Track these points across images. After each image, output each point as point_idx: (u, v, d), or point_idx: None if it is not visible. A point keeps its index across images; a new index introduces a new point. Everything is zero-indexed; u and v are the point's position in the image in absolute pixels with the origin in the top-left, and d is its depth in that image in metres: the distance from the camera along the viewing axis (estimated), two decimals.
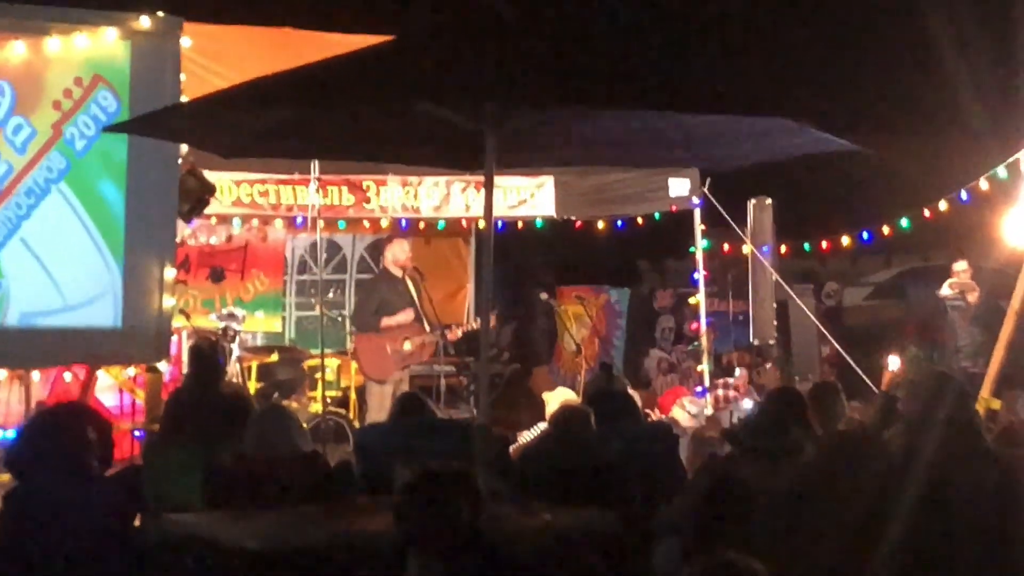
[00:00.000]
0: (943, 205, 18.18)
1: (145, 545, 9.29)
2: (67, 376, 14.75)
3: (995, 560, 7.43)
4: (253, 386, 14.77)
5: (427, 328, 16.83)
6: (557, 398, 14.98)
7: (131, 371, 14.92)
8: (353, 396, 17.44)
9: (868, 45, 23.39)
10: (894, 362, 16.21)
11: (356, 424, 15.83)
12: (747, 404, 17.24)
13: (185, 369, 15.31)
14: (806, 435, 10.22)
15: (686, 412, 17.29)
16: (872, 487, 8.09)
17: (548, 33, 10.04)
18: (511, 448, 11.80)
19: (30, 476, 9.31)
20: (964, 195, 17.57)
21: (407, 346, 16.50)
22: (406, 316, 16.61)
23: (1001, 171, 16.63)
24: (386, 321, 16.47)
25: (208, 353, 12.76)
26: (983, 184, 17.05)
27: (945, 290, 19.32)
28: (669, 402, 18.15)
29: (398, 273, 17.05)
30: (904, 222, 19.29)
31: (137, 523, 9.55)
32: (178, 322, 15.14)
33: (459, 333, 17.59)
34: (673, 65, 10.81)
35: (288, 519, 9.03)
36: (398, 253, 17.15)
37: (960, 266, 18.58)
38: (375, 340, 16.58)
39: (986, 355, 16.51)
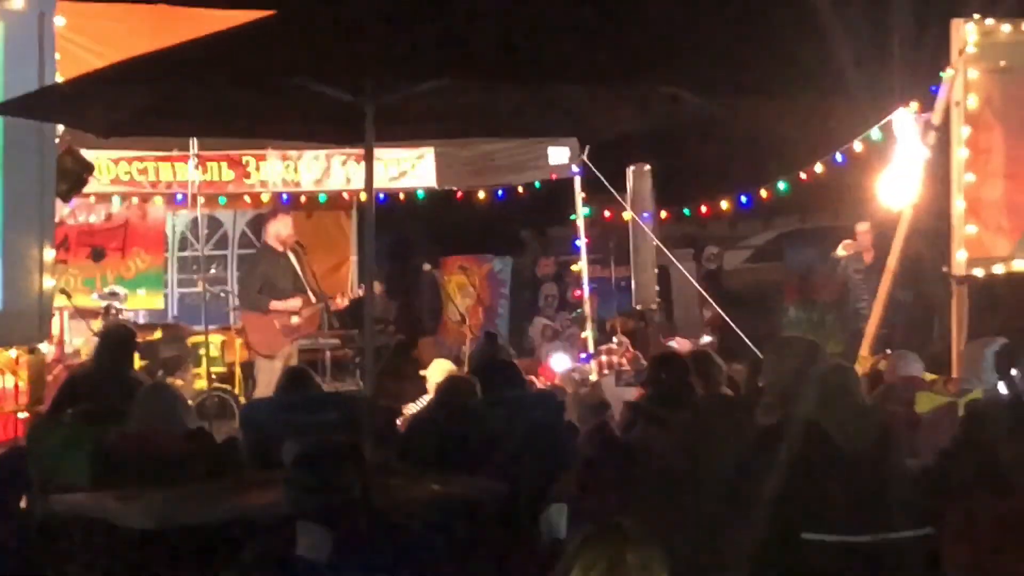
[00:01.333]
0: (819, 168, 18.35)
1: (31, 524, 9.31)
2: None
3: (872, 510, 7.55)
4: (137, 364, 14.73)
5: (312, 300, 16.84)
6: (437, 369, 15.02)
7: (12, 353, 14.85)
8: (238, 372, 17.46)
9: (743, 7, 23.53)
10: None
11: (242, 400, 15.86)
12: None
13: (71, 348, 15.30)
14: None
15: (568, 378, 17.41)
16: (740, 449, 8.21)
17: (425, 6, 10.06)
18: (398, 420, 11.83)
19: None
20: (839, 157, 17.74)
21: (293, 320, 16.52)
22: (295, 302, 16.59)
23: (875, 133, 16.80)
24: (275, 305, 16.45)
25: (116, 335, 12.79)
26: (857, 146, 17.23)
27: (840, 251, 19.49)
28: (552, 369, 18.26)
29: (280, 247, 17.02)
30: (782, 185, 19.44)
31: (23, 504, 9.56)
32: (59, 302, 15.08)
33: (344, 302, 17.62)
34: (549, 36, 10.83)
35: (177, 496, 9.04)
36: (280, 229, 17.10)
37: (863, 227, 18.74)
38: (262, 316, 16.59)
39: (908, 330, 16.74)
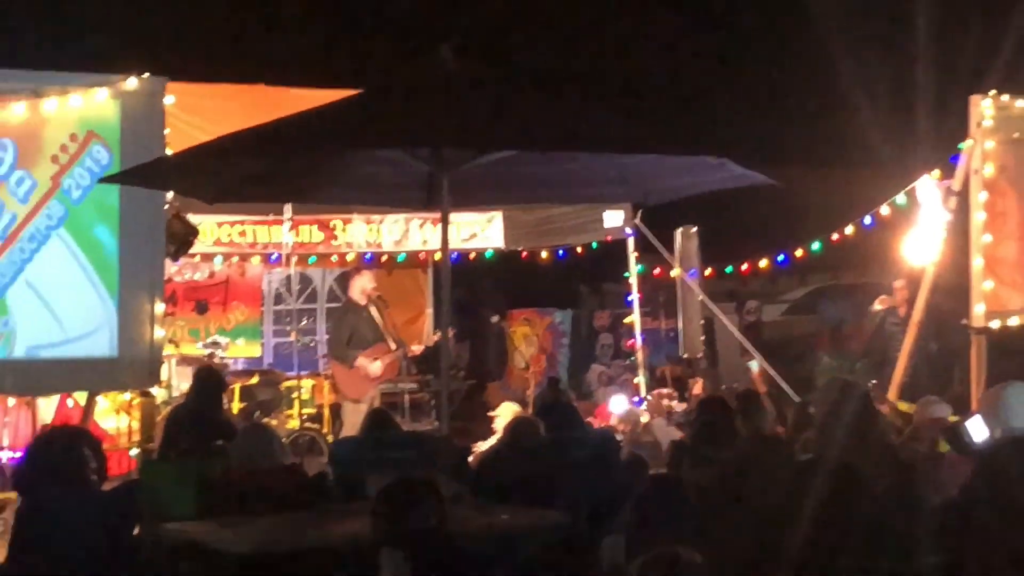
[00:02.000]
0: (849, 229, 18.30)
1: (143, 553, 9.33)
2: (70, 402, 14.75)
3: (890, 549, 7.50)
4: (236, 406, 14.77)
5: (392, 348, 16.90)
6: (505, 411, 15.03)
7: (127, 396, 14.93)
8: (327, 413, 17.44)
9: (780, 87, 23.50)
10: (754, 367, 16.36)
11: (329, 438, 15.83)
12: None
13: (178, 392, 15.34)
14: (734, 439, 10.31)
15: (620, 423, 17.37)
16: (782, 483, 8.17)
17: (494, 86, 10.09)
18: (469, 457, 11.82)
19: (34, 492, 9.34)
20: (868, 220, 17.69)
21: (375, 366, 16.54)
22: (377, 353, 16.62)
23: (900, 198, 16.76)
24: (360, 361, 16.48)
25: (209, 376, 12.85)
26: (884, 210, 17.18)
27: (876, 306, 19.40)
28: (608, 411, 18.23)
29: (363, 301, 17.08)
30: (815, 245, 19.39)
31: (136, 532, 9.58)
32: (168, 351, 15.12)
33: (420, 350, 17.71)
34: (605, 111, 10.87)
35: (273, 525, 9.07)
36: (364, 284, 17.16)
37: (899, 283, 18.60)
38: (352, 369, 16.68)
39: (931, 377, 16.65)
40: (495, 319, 21.70)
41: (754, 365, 17.49)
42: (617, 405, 18.37)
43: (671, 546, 5.53)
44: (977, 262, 15.44)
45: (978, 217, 15.41)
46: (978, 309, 15.43)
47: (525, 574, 8.30)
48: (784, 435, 10.97)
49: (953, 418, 13.17)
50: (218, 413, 12.73)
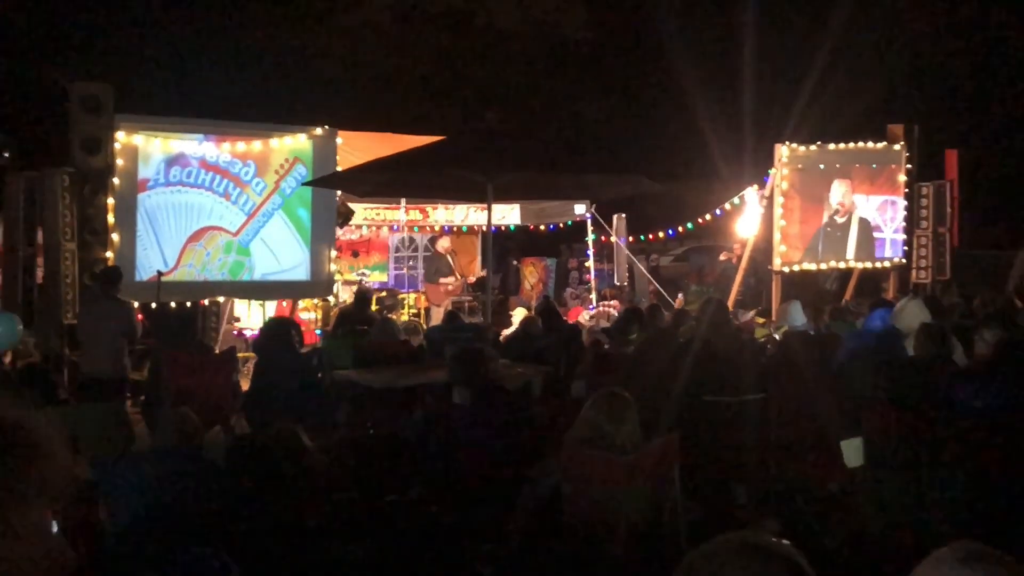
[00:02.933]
0: (708, 216, 18.27)
1: (324, 386, 9.39)
2: (284, 304, 14.80)
3: (737, 384, 7.50)
4: (374, 306, 14.78)
5: (459, 278, 17.00)
6: (518, 313, 15.07)
7: (315, 300, 14.98)
8: (422, 312, 17.44)
9: (670, 135, 23.39)
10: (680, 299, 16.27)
11: (423, 326, 15.82)
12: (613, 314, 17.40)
13: (343, 299, 15.37)
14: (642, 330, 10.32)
15: (583, 319, 17.39)
16: (671, 354, 8.17)
17: (520, 135, 10.07)
18: (501, 337, 11.82)
19: (265, 353, 9.39)
20: (718, 211, 17.66)
21: (451, 287, 16.67)
22: (453, 279, 16.78)
23: (736, 199, 16.73)
24: (442, 280, 16.63)
25: (364, 292, 12.93)
26: (728, 205, 17.16)
27: (721, 257, 19.35)
28: (575, 314, 18.23)
29: (444, 252, 17.15)
30: (690, 225, 19.36)
31: (319, 375, 9.64)
32: (337, 277, 15.13)
33: (473, 279, 17.81)
34: (582, 151, 10.85)
35: (394, 372, 9.10)
36: (444, 242, 17.26)
37: (736, 245, 18.42)
38: (435, 287, 16.78)
39: (750, 294, 16.67)
40: (515, 263, 21.71)
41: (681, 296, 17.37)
42: (579, 310, 18.40)
43: (612, 388, 5.53)
44: (776, 235, 15.43)
45: (777, 211, 15.37)
46: (776, 261, 15.41)
47: (531, 399, 8.32)
48: (671, 328, 10.93)
49: (761, 320, 13.19)
50: (366, 311, 12.76)
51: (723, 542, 2.14)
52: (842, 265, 16.16)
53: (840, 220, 15.87)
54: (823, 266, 16.07)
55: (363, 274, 17.59)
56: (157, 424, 6.03)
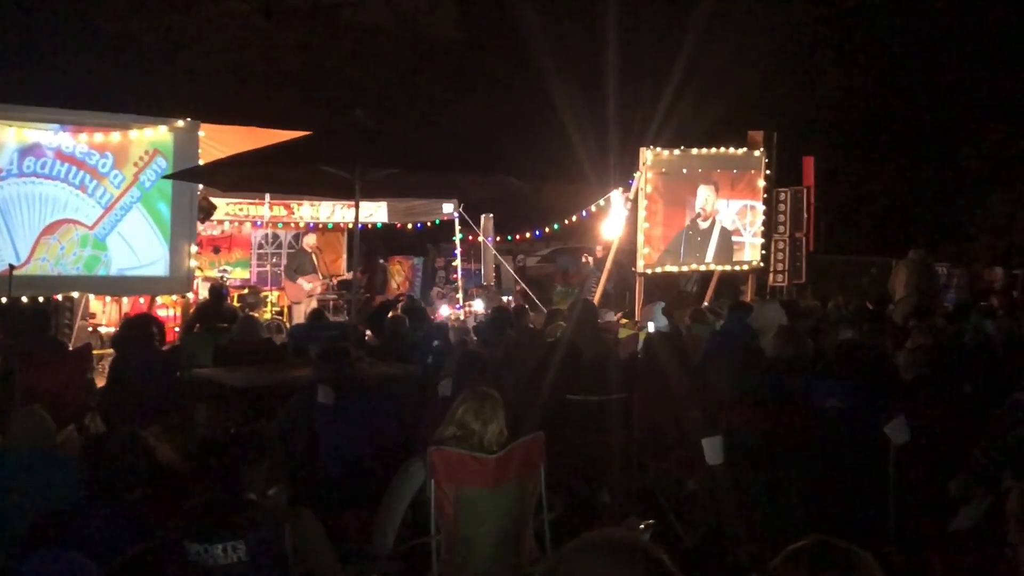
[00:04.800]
0: (574, 218, 18.47)
1: (183, 383, 9.19)
2: (141, 300, 14.44)
3: (602, 384, 7.59)
4: (235, 304, 14.52)
5: (321, 277, 16.91)
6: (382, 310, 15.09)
7: (173, 297, 14.64)
8: (285, 310, 17.23)
9: (537, 140, 23.59)
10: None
11: (286, 324, 15.62)
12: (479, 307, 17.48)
13: (202, 296, 15.11)
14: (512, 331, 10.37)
15: (448, 319, 17.41)
16: (538, 354, 8.24)
17: (388, 132, 10.01)
18: (366, 336, 11.74)
19: (123, 350, 9.17)
20: (584, 212, 17.87)
21: (308, 286, 16.56)
22: (312, 279, 16.69)
23: (602, 202, 16.96)
24: (301, 280, 16.54)
25: (218, 288, 12.67)
26: (594, 208, 17.38)
27: (583, 259, 19.58)
28: (441, 313, 18.26)
29: (308, 250, 17.01)
30: (556, 226, 19.56)
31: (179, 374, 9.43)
32: (197, 273, 14.84)
33: (338, 278, 17.70)
34: (448, 150, 10.85)
35: (255, 371, 8.96)
36: (310, 239, 17.16)
37: (599, 248, 18.73)
38: (295, 286, 16.65)
39: (614, 296, 16.91)
40: (382, 262, 21.60)
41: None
42: (445, 309, 18.41)
43: (481, 387, 5.53)
44: (640, 238, 15.71)
45: (641, 214, 15.65)
46: (640, 263, 15.70)
47: (397, 401, 8.27)
48: (539, 328, 11.00)
49: (624, 320, 13.40)
50: (223, 306, 12.54)
51: (586, 540, 2.17)
52: (702, 268, 16.52)
53: (703, 225, 16.23)
54: (684, 268, 16.41)
55: (224, 271, 17.29)
56: (8, 423, 5.82)
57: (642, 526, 4.83)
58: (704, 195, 16.17)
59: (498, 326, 10.28)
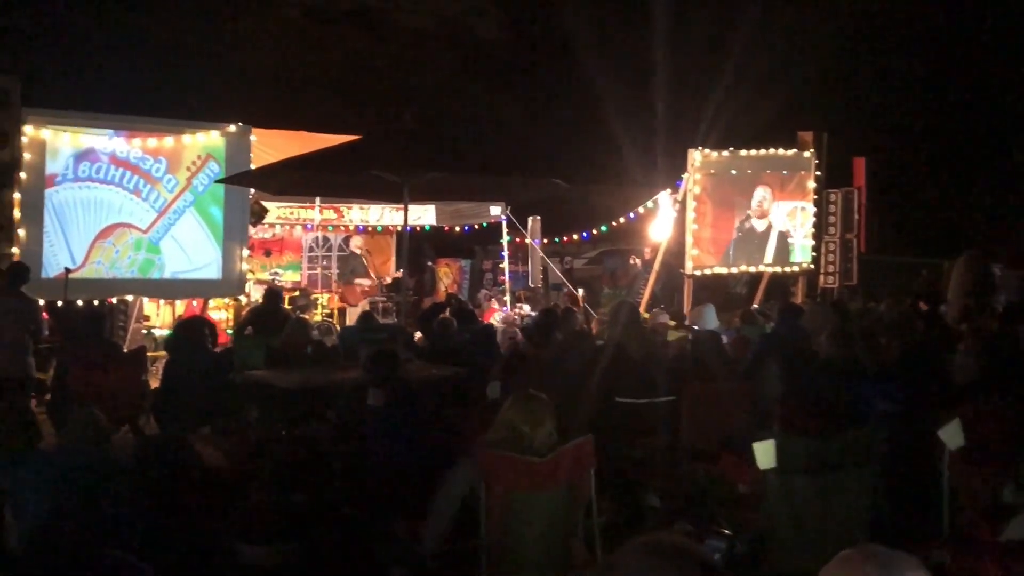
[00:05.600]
0: (622, 220, 18.41)
1: (236, 385, 9.26)
2: (194, 303, 14.58)
3: (648, 385, 7.56)
4: (287, 305, 14.62)
5: (374, 278, 17.04)
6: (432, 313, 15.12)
7: (225, 300, 14.76)
8: (335, 313, 17.32)
9: (584, 136, 23.52)
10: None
11: (336, 327, 15.70)
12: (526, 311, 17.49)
13: (255, 298, 15.22)
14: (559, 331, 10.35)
15: (496, 320, 17.42)
16: (586, 356, 8.22)
17: (435, 136, 10.05)
18: (416, 338, 11.77)
19: (177, 351, 9.26)
20: (632, 214, 17.81)
21: (366, 282, 16.77)
22: (368, 280, 16.86)
23: (649, 203, 16.89)
24: (357, 281, 16.70)
25: (276, 291, 12.78)
26: (641, 209, 17.31)
27: (631, 261, 19.51)
28: (489, 315, 18.25)
29: (359, 252, 17.14)
30: (604, 228, 19.51)
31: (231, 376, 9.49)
32: (249, 276, 14.98)
33: (388, 281, 17.76)
34: (497, 153, 10.87)
35: (307, 373, 9.01)
36: (357, 241, 17.32)
37: (647, 249, 18.60)
38: (351, 287, 16.78)
39: (662, 297, 16.84)
40: (430, 264, 21.66)
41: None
42: (498, 315, 18.44)
43: (530, 390, 5.52)
44: (689, 239, 15.65)
45: (690, 215, 15.59)
46: (688, 264, 15.64)
47: (443, 401, 8.29)
48: (587, 330, 10.98)
49: (673, 323, 13.34)
50: (278, 310, 12.65)
51: (637, 545, 2.16)
52: (753, 269, 16.41)
53: (760, 226, 16.15)
54: (734, 270, 16.31)
55: (276, 273, 17.41)
56: (63, 424, 5.89)
57: (692, 531, 4.79)
58: (760, 195, 16.08)
59: (545, 328, 10.26)
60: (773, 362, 8.08)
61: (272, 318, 11.83)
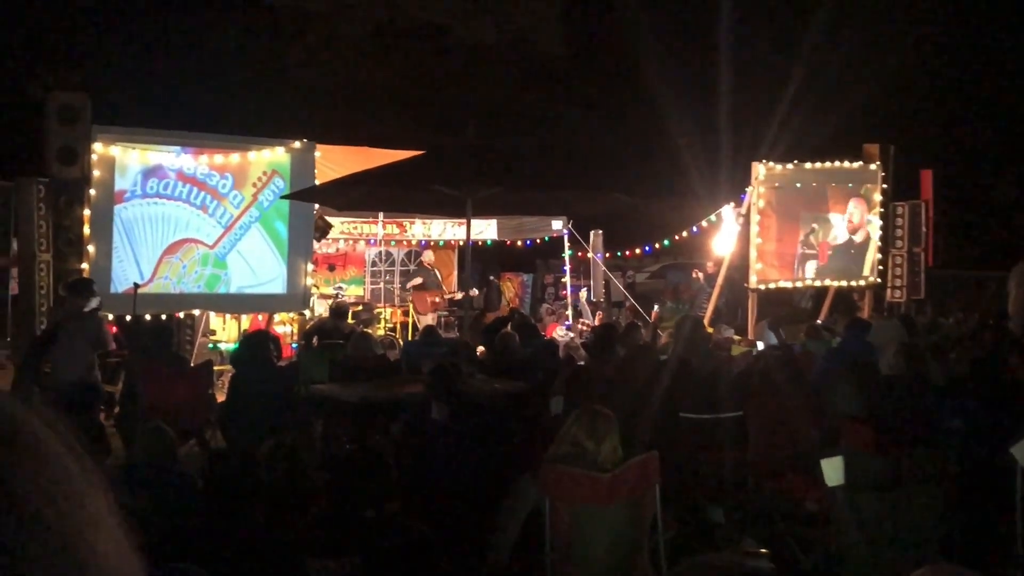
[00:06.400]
0: (685, 233, 18.31)
1: (300, 399, 9.32)
2: (260, 317, 14.72)
3: (713, 401, 7.49)
4: (349, 320, 14.70)
5: (446, 290, 17.35)
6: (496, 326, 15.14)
7: (291, 314, 14.89)
8: (398, 327, 17.39)
9: (645, 150, 23.48)
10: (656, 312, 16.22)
11: (399, 341, 15.77)
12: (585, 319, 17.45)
13: (318, 313, 15.30)
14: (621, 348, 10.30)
15: (558, 335, 17.39)
16: (649, 371, 8.17)
17: (497, 150, 10.06)
18: (478, 352, 11.77)
19: (242, 365, 9.33)
20: (695, 228, 17.71)
21: (436, 300, 16.96)
22: (437, 293, 17.11)
23: (712, 217, 16.78)
24: (428, 292, 16.99)
25: (342, 308, 12.86)
26: (704, 223, 17.20)
27: (693, 275, 19.44)
28: (551, 330, 18.24)
29: (428, 266, 17.30)
30: (667, 242, 19.43)
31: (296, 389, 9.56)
32: (313, 291, 15.09)
33: (459, 295, 17.87)
34: (559, 167, 10.86)
35: (371, 387, 9.05)
36: (429, 256, 17.51)
37: (709, 263, 18.51)
38: (422, 296, 17.03)
39: (726, 312, 16.75)
40: (492, 278, 21.74)
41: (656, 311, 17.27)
42: (559, 328, 18.41)
43: (594, 405, 5.50)
44: (752, 253, 15.53)
45: (754, 229, 15.48)
46: (753, 279, 15.52)
47: (509, 418, 8.27)
48: (650, 344, 10.90)
49: (737, 337, 13.25)
50: (342, 324, 12.76)
51: (703, 563, 2.14)
52: (817, 284, 16.26)
53: (857, 239, 16.10)
54: (798, 284, 16.16)
55: (339, 288, 17.54)
56: (132, 437, 5.98)
57: (759, 551, 4.73)
58: (851, 207, 16.06)
59: (607, 343, 10.23)
60: (840, 378, 7.97)
61: (336, 332, 11.92)
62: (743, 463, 7.42)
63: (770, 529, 6.50)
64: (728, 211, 16.39)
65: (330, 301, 15.40)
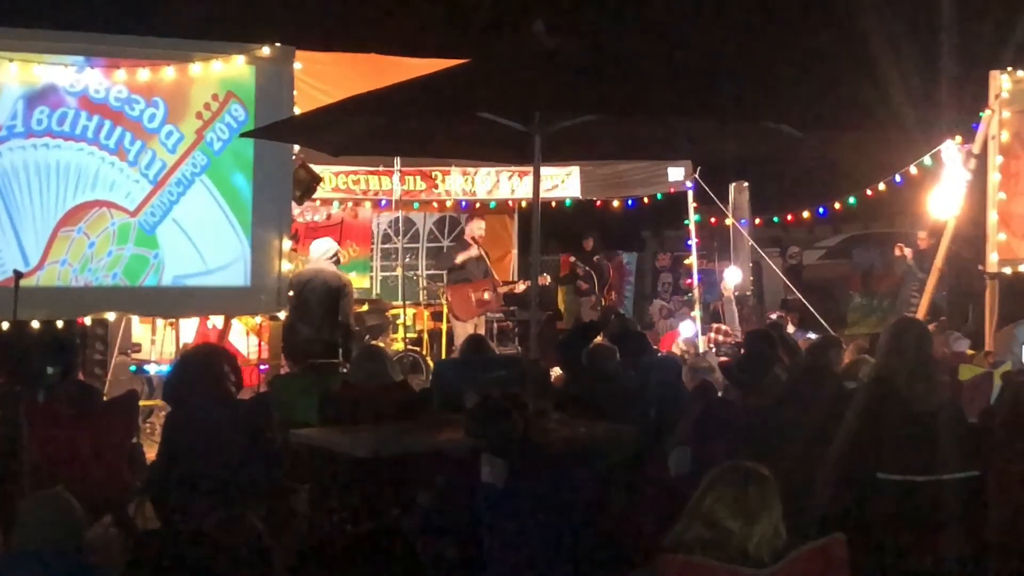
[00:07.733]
0: (882, 186, 18.19)
1: (273, 451, 9.36)
2: (209, 324, 14.84)
3: (930, 455, 7.42)
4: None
5: (499, 282, 17.35)
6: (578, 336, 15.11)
7: (257, 319, 14.98)
8: (426, 337, 17.48)
9: (819, 60, 23.33)
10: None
11: (429, 360, 15.85)
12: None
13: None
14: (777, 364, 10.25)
15: (679, 348, 17.38)
16: (829, 406, 8.11)
17: (582, 60, 10.03)
18: (552, 376, 11.79)
19: (182, 402, 9.38)
20: (898, 178, 17.59)
21: (486, 295, 16.85)
22: (485, 287, 17.06)
23: (927, 160, 16.66)
24: (472, 287, 16.93)
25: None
26: (913, 170, 17.08)
27: (896, 252, 19.37)
28: (668, 342, 18.24)
29: (473, 243, 17.31)
30: (851, 199, 19.31)
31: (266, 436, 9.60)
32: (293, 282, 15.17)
33: (521, 287, 17.89)
34: (676, 82, 10.79)
35: (385, 433, 9.08)
36: (476, 229, 17.50)
37: (922, 234, 18.50)
38: (463, 290, 16.97)
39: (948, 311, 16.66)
40: (573, 260, 21.76)
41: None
42: (687, 330, 18.38)
43: (740, 462, 5.47)
44: (992, 216, 15.47)
45: (994, 177, 15.42)
46: (993, 257, 15.48)
47: (602, 480, 8.25)
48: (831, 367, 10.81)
49: (971, 352, 13.15)
50: (335, 335, 12.81)
51: None
52: None
53: None
54: None
55: None
56: (11, 515, 5.99)
57: None
58: None
59: (762, 363, 10.16)
60: None
61: (326, 347, 11.96)
62: (978, 547, 7.35)
63: None
64: (951, 149, 16.26)
65: None
